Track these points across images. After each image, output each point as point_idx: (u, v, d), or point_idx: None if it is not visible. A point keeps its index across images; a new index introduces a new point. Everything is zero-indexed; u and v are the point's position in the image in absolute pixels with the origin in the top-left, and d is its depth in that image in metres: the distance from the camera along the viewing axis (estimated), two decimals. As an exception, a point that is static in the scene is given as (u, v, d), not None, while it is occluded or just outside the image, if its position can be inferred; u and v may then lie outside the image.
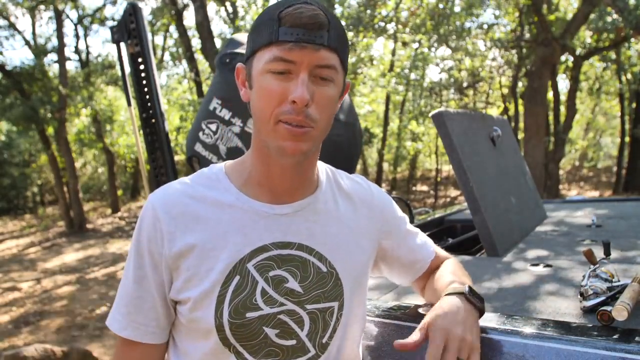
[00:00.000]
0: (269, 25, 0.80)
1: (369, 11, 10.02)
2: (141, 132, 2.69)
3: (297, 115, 0.79)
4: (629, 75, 14.21)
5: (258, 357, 0.87)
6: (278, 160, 0.85)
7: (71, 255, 9.29)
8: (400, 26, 11.30)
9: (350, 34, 10.38)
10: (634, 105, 14.66)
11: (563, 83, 18.15)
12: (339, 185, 0.99)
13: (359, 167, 14.47)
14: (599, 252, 1.23)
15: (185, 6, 11.82)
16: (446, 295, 0.91)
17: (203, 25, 9.49)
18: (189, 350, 0.89)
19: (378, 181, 15.94)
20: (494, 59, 13.89)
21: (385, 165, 19.10)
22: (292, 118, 0.79)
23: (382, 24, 10.71)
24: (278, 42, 0.78)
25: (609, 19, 9.33)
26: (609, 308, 0.95)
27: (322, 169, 0.99)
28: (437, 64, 14.15)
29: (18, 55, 47.45)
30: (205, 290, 0.84)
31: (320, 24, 0.78)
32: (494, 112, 16.64)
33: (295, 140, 0.80)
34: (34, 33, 13.94)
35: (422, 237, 1.11)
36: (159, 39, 16.28)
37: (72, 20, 13.90)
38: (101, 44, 33.07)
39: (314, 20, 0.78)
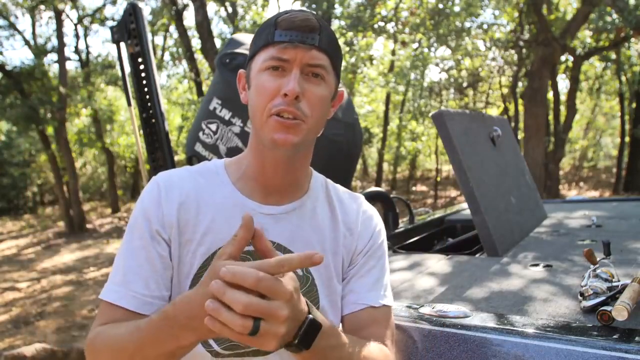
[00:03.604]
0: (266, 30, 0.88)
1: (368, 11, 10.02)
2: (141, 132, 2.69)
3: (287, 107, 0.84)
4: (629, 75, 14.21)
5: (222, 347, 0.90)
6: (271, 153, 0.90)
7: (71, 255, 9.29)
8: (400, 26, 11.30)
9: (350, 34, 10.39)
10: (634, 105, 14.65)
11: (563, 83, 18.13)
12: (331, 199, 1.02)
13: (359, 167, 14.47)
14: (599, 252, 1.23)
15: (185, 6, 11.81)
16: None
17: (203, 25, 9.48)
18: None
19: (378, 181, 15.94)
20: (493, 59, 13.89)
21: (385, 165, 19.10)
22: (283, 109, 0.85)
23: (382, 23, 10.71)
24: (274, 43, 0.86)
25: (609, 19, 9.33)
26: (609, 308, 0.95)
27: (319, 179, 1.03)
28: (437, 64, 14.16)
29: (18, 55, 47.45)
30: (183, 271, 0.89)
31: (312, 27, 0.86)
32: (494, 112, 16.63)
33: (285, 131, 0.85)
34: (34, 33, 13.92)
35: (383, 288, 0.98)
36: (159, 39, 16.25)
37: (72, 20, 13.90)
38: (101, 44, 33.07)
39: (306, 24, 0.86)
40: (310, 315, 0.71)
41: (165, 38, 15.88)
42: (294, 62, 0.85)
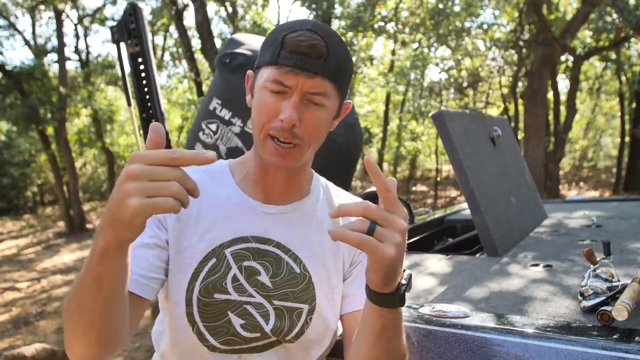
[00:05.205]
0: (273, 46, 0.87)
1: (368, 11, 10.02)
2: (141, 132, 2.69)
3: (283, 133, 0.86)
4: (629, 75, 14.20)
5: (219, 341, 0.91)
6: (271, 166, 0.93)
7: (71, 255, 9.28)
8: (400, 26, 11.31)
9: (350, 34, 10.39)
10: (634, 105, 14.64)
11: (563, 83, 18.14)
12: (331, 201, 1.04)
13: (359, 167, 14.46)
14: (599, 252, 1.23)
15: (185, 6, 11.81)
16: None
17: (203, 25, 9.48)
18: (166, 313, 0.95)
19: (378, 181, 15.88)
20: (493, 59, 13.89)
21: (386, 165, 19.10)
22: (279, 134, 0.86)
23: (382, 23, 10.71)
24: (277, 65, 0.85)
25: (609, 19, 9.32)
26: (609, 308, 0.95)
27: (320, 181, 1.05)
28: (437, 64, 14.16)
29: (18, 55, 47.42)
30: (183, 264, 0.91)
31: (318, 54, 0.84)
32: (494, 112, 16.63)
33: (281, 157, 0.88)
34: (34, 33, 13.89)
35: None
36: (159, 39, 16.22)
37: (72, 20, 13.88)
38: (101, 44, 33.03)
39: (312, 50, 0.84)
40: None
41: (165, 38, 15.86)
42: (295, 88, 0.85)
